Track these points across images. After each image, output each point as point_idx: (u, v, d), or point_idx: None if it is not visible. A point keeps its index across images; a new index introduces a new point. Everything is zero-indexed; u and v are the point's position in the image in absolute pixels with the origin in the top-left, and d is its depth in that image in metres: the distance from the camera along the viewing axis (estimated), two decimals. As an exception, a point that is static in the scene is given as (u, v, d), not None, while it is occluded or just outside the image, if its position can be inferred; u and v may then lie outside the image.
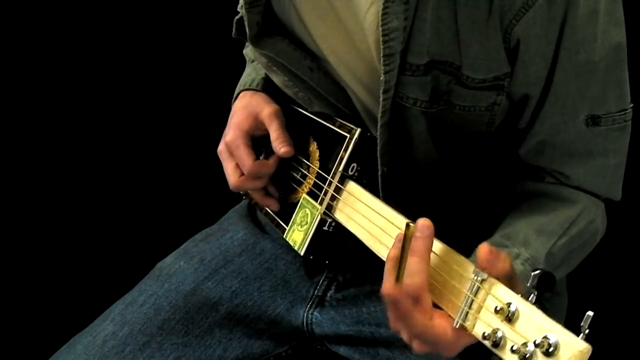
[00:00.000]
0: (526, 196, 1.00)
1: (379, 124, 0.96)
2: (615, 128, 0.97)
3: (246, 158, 1.10)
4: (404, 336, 0.79)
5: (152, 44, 1.83)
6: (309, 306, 1.14)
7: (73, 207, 1.88)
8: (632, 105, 0.99)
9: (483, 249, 0.73)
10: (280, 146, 1.10)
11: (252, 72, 1.22)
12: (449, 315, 0.75)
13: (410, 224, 0.76)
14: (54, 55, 1.82)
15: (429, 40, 0.91)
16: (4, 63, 1.80)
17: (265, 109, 1.13)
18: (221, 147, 1.14)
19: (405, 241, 0.76)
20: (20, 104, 1.83)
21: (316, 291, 1.15)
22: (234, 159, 1.12)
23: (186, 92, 1.81)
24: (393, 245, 0.78)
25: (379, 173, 1.00)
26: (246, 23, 1.03)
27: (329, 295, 1.14)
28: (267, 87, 1.18)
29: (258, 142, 1.15)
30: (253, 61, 1.26)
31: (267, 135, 1.12)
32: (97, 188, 1.89)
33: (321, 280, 1.15)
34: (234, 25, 1.11)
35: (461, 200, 1.08)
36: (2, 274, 1.82)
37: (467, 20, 0.89)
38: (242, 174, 1.11)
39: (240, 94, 1.19)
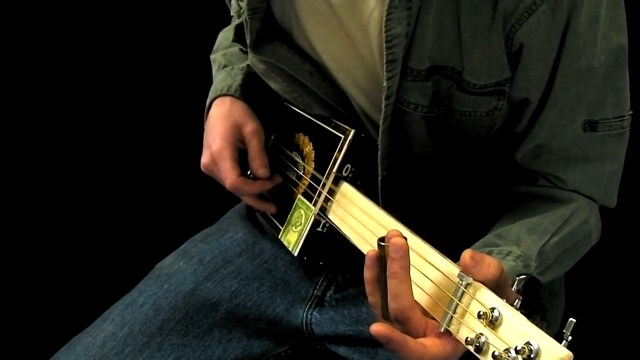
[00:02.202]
0: (519, 199, 1.00)
1: (380, 129, 0.96)
2: (612, 134, 0.97)
3: (230, 171, 1.09)
4: None
5: (151, 45, 1.83)
6: (308, 306, 1.14)
7: (73, 207, 1.88)
8: (631, 112, 0.98)
9: (465, 255, 0.71)
10: (257, 168, 1.11)
11: (227, 77, 1.19)
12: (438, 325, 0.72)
13: (383, 244, 0.71)
14: (53, 56, 1.83)
15: (431, 45, 0.91)
16: (4, 63, 1.80)
17: (248, 125, 1.12)
18: (206, 160, 1.12)
19: (381, 261, 0.72)
20: (20, 105, 1.84)
21: (315, 291, 1.15)
22: (219, 170, 1.11)
23: (186, 93, 1.79)
24: (366, 267, 0.73)
25: (379, 178, 1.00)
26: (247, 30, 1.03)
27: (328, 295, 1.15)
28: (245, 94, 1.16)
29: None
30: (225, 67, 1.23)
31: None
32: (97, 189, 1.89)
33: (320, 281, 1.15)
34: (234, 31, 1.11)
35: (460, 204, 1.08)
36: (2, 274, 1.82)
37: (469, 26, 0.89)
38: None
39: (217, 100, 1.16)
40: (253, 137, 1.11)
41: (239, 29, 1.07)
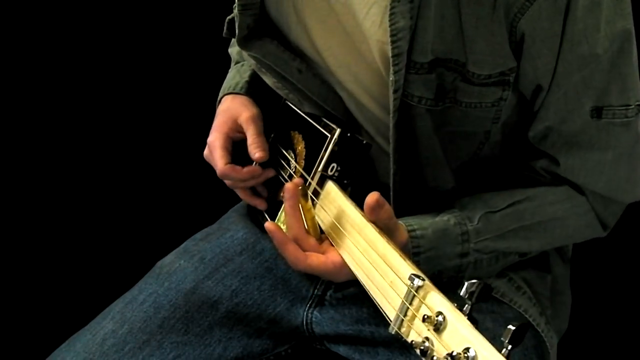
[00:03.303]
0: (508, 178, 1.03)
1: (390, 123, 0.97)
2: (617, 123, 0.96)
3: (219, 160, 1.11)
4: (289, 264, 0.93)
5: (152, 45, 1.84)
6: (308, 305, 1.14)
7: (73, 207, 1.90)
8: (638, 103, 0.96)
9: (371, 196, 0.83)
10: (255, 151, 1.11)
11: (236, 75, 1.22)
12: (331, 251, 0.90)
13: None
14: (53, 56, 1.85)
15: (433, 38, 0.92)
16: (4, 63, 1.83)
17: (244, 113, 1.14)
18: (206, 151, 1.16)
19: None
20: (20, 104, 1.86)
21: (316, 290, 1.14)
22: (212, 160, 1.13)
23: (186, 92, 1.82)
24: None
25: (391, 172, 1.01)
26: (237, 24, 1.04)
27: (328, 294, 1.14)
28: (250, 91, 1.18)
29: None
30: (237, 62, 1.26)
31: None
32: (97, 188, 1.91)
33: (321, 280, 1.14)
34: (226, 25, 1.12)
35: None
36: (2, 274, 1.85)
37: (471, 16, 0.90)
38: None
39: (224, 98, 1.20)
40: (249, 123, 1.13)
41: (231, 23, 1.08)
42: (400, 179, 1.02)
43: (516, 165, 1.04)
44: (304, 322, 1.13)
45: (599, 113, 0.95)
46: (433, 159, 1.03)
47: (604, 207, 1.03)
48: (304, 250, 0.91)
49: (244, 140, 1.14)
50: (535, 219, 1.00)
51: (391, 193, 1.02)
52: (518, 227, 0.99)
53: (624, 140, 0.98)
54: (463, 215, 0.97)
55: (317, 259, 0.90)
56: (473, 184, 1.06)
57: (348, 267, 0.86)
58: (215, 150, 1.12)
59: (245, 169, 1.13)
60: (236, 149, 1.14)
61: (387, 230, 0.84)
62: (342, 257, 0.88)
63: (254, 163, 1.20)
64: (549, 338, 1.07)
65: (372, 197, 0.83)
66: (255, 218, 1.21)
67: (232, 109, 1.16)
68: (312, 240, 0.92)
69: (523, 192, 1.00)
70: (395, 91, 0.94)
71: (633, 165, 1.01)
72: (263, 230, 1.19)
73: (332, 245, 0.91)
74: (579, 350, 1.33)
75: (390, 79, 0.93)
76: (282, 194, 1.10)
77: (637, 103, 0.96)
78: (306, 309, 1.14)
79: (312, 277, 1.15)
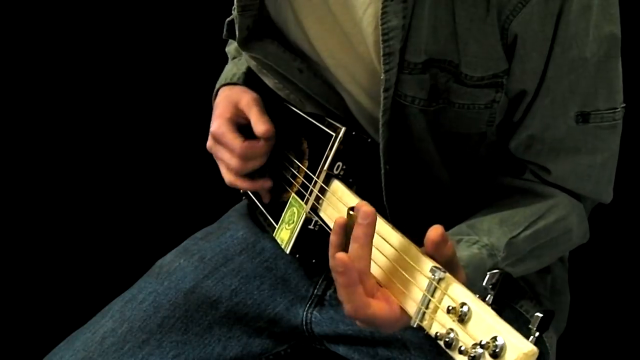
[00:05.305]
0: (501, 190, 1.01)
1: (380, 122, 0.97)
2: (605, 126, 0.97)
3: (234, 140, 1.07)
4: (346, 309, 0.77)
5: (151, 45, 1.84)
6: (308, 305, 1.14)
7: (73, 206, 1.89)
8: (623, 105, 0.97)
9: (434, 230, 0.73)
10: (260, 126, 1.07)
11: (233, 67, 1.21)
12: (390, 296, 0.76)
13: (351, 212, 0.76)
14: (53, 56, 1.84)
15: (427, 38, 0.92)
16: (4, 63, 1.82)
17: (244, 97, 1.11)
18: (209, 142, 1.12)
19: (347, 229, 0.76)
20: (20, 104, 1.85)
21: (316, 290, 1.15)
22: (223, 146, 1.10)
23: (186, 91, 1.81)
24: (333, 232, 0.77)
25: (382, 171, 1.01)
26: (237, 26, 1.04)
27: (328, 294, 1.14)
28: (248, 81, 1.16)
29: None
30: (234, 58, 1.26)
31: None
32: (97, 187, 1.90)
33: (321, 280, 1.15)
34: (225, 26, 1.12)
35: (463, 196, 1.08)
36: (2, 273, 1.84)
37: (464, 18, 0.90)
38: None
39: (220, 89, 1.18)
40: (251, 105, 1.10)
41: (230, 25, 1.08)
42: (393, 179, 1.02)
43: (507, 174, 1.03)
44: (304, 322, 1.14)
45: (585, 118, 0.95)
46: (429, 160, 1.03)
47: (589, 208, 1.05)
48: (367, 292, 0.76)
49: (246, 127, 1.12)
50: (549, 236, 0.97)
51: (383, 193, 1.02)
52: (534, 247, 0.96)
53: (611, 142, 0.99)
54: (490, 244, 0.89)
55: (381, 308, 0.75)
56: (471, 184, 1.06)
57: (407, 315, 0.74)
58: (224, 135, 1.08)
59: (261, 142, 1.08)
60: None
61: (447, 268, 0.72)
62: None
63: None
64: (549, 338, 1.08)
65: (435, 232, 0.73)
66: (255, 218, 1.21)
67: (232, 96, 1.13)
68: (373, 281, 0.77)
69: (536, 209, 0.96)
70: (385, 90, 0.94)
71: (614, 166, 1.03)
72: (263, 230, 1.19)
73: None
74: (578, 349, 1.34)
75: (381, 77, 0.93)
76: (285, 196, 1.11)
77: (623, 105, 0.98)
78: (306, 309, 1.14)
79: (312, 277, 1.15)
